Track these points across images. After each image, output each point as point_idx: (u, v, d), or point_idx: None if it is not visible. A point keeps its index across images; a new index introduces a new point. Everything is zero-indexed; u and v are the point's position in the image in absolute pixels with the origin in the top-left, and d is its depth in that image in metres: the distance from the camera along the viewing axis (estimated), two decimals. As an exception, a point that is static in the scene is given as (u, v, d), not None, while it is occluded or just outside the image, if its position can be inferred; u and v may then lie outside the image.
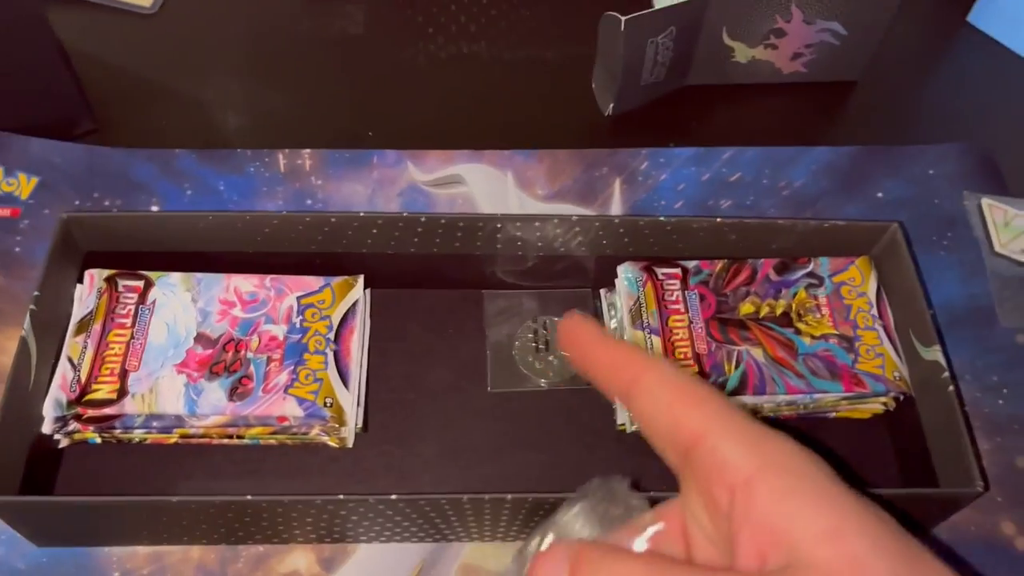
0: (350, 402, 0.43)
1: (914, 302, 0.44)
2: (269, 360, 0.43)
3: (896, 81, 0.63)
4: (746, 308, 0.45)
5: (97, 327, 0.43)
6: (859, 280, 0.46)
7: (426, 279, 0.48)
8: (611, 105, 0.58)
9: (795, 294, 0.46)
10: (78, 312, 0.44)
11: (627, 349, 0.25)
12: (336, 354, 0.44)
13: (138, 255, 0.46)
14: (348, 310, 0.45)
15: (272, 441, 0.43)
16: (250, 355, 0.43)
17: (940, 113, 0.62)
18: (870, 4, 0.56)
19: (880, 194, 0.55)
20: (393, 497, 0.37)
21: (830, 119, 0.61)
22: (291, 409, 0.42)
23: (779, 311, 0.45)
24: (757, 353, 0.44)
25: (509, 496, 0.37)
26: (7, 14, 0.48)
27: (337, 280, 0.46)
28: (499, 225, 0.45)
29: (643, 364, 0.24)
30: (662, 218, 0.46)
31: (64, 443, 0.42)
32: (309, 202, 0.53)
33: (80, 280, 0.45)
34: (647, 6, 0.55)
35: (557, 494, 0.37)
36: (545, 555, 0.24)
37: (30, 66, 0.51)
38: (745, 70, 0.60)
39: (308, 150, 0.55)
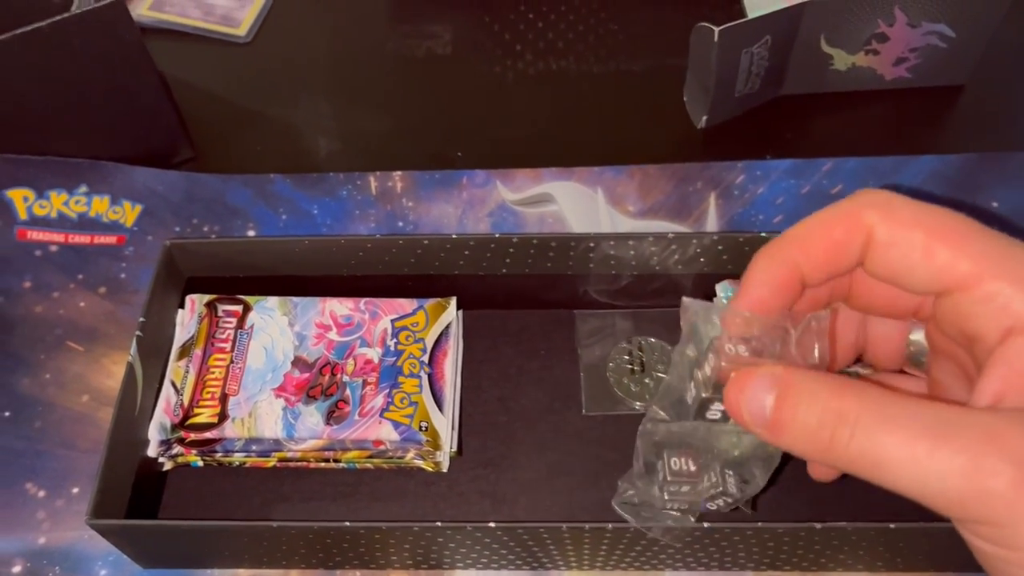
0: (445, 426, 0.42)
1: (1039, 319, 0.41)
2: (365, 384, 0.43)
3: (1008, 83, 0.59)
4: (854, 327, 0.43)
5: (198, 351, 0.44)
6: (976, 296, 0.43)
7: (518, 300, 0.48)
8: (704, 117, 0.57)
9: (907, 312, 0.43)
10: (180, 337, 0.45)
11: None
12: (430, 377, 0.43)
13: (237, 280, 0.47)
14: (442, 332, 0.45)
15: (368, 465, 0.43)
16: (346, 379, 0.43)
17: (1058, 115, 0.58)
18: (979, 3, 0.53)
19: (995, 204, 0.52)
20: (491, 524, 0.36)
21: (937, 126, 0.58)
22: (387, 433, 0.42)
23: (890, 330, 0.43)
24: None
25: (610, 526, 0.36)
26: (113, 49, 0.50)
27: (430, 302, 0.46)
28: (592, 244, 0.44)
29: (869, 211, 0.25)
30: (763, 234, 0.44)
31: (168, 466, 0.43)
32: (400, 224, 0.53)
33: (182, 305, 0.46)
34: (737, 15, 0.53)
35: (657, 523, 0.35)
36: (745, 378, 0.23)
37: (134, 98, 0.53)
38: (844, 78, 0.58)
39: (399, 172, 0.55)
